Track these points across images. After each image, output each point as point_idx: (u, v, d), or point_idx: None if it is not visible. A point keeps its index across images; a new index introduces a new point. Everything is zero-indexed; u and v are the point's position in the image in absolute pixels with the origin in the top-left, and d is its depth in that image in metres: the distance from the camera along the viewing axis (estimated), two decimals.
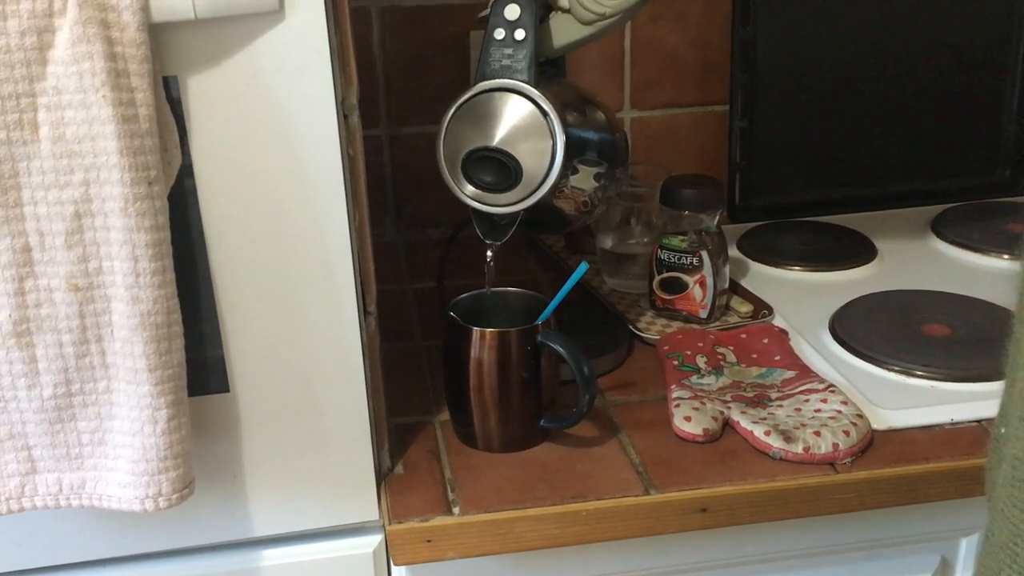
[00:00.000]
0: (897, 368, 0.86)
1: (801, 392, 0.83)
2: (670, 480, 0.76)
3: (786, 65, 1.17)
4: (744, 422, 0.79)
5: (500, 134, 0.78)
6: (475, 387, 0.78)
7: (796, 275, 1.06)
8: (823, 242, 1.13)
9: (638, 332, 0.95)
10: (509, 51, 0.79)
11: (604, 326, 0.96)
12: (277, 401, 0.72)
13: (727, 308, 0.98)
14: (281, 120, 0.65)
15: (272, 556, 0.77)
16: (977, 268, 1.07)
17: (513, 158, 0.78)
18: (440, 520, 0.73)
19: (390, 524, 0.73)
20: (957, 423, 0.81)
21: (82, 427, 0.65)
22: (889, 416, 0.81)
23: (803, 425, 0.78)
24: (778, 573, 0.83)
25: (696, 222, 0.94)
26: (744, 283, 1.04)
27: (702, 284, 0.94)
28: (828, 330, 0.93)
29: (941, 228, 1.14)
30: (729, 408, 0.81)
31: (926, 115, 1.21)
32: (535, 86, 0.78)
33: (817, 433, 0.76)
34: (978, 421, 0.81)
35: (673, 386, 0.85)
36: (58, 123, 0.59)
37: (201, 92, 0.64)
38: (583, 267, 0.79)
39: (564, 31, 0.82)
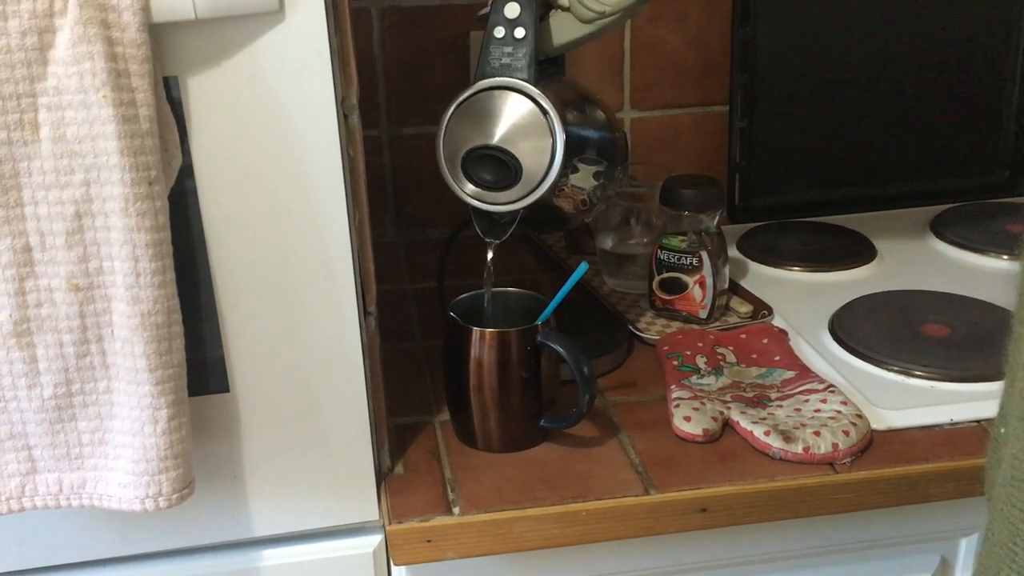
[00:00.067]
0: (897, 368, 0.86)
1: (801, 392, 0.83)
2: (670, 480, 0.76)
3: (786, 65, 1.17)
4: (744, 422, 0.79)
5: (500, 132, 0.78)
6: (475, 387, 0.78)
7: (796, 275, 1.06)
8: (823, 242, 1.13)
9: (638, 332, 0.95)
10: (509, 49, 0.79)
11: (604, 326, 0.96)
12: (277, 401, 0.72)
13: (727, 308, 0.98)
14: (281, 120, 0.65)
15: (272, 556, 0.77)
16: (977, 268, 1.07)
17: (513, 156, 0.78)
18: (440, 520, 0.73)
19: (390, 524, 0.73)
20: (957, 423, 0.81)
21: (82, 427, 0.66)
22: (889, 416, 0.81)
23: (803, 425, 0.78)
24: (778, 573, 0.83)
25: (696, 222, 0.94)
26: (744, 283, 1.04)
27: (702, 284, 0.94)
28: (828, 330, 0.93)
29: (941, 228, 1.14)
30: (729, 408, 0.81)
31: (926, 115, 1.21)
32: (535, 84, 0.78)
33: (817, 433, 0.76)
34: (978, 421, 0.81)
35: (673, 386, 0.85)
36: (59, 123, 0.60)
37: (201, 92, 0.64)
38: (583, 267, 0.79)
39: (564, 29, 0.82)
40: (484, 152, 0.78)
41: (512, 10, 0.79)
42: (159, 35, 0.61)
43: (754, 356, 0.90)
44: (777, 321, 0.96)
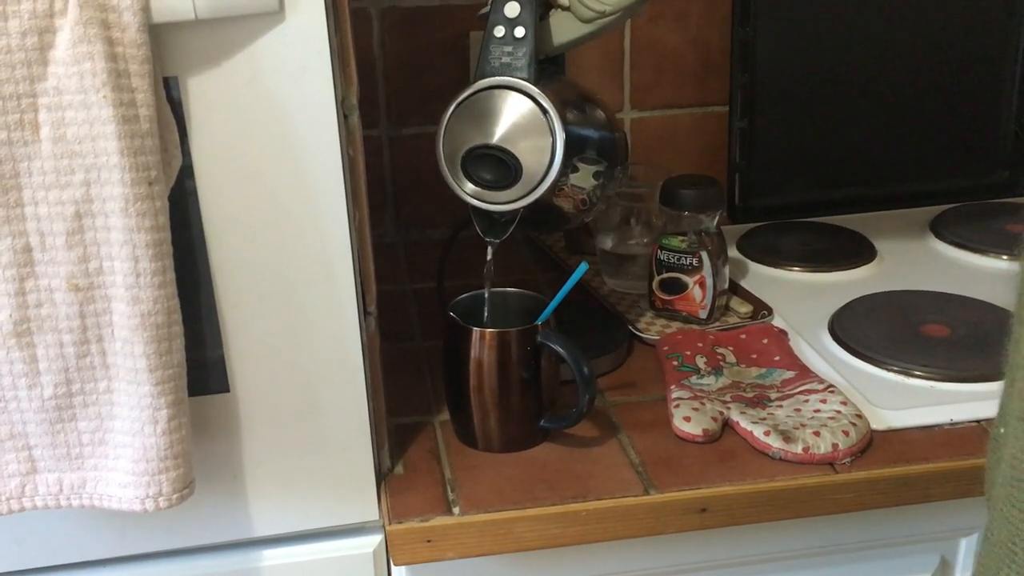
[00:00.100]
0: (896, 368, 0.87)
1: (800, 392, 0.83)
2: (670, 480, 0.76)
3: (786, 65, 1.17)
4: (744, 422, 0.79)
5: (500, 132, 0.78)
6: (475, 387, 0.78)
7: (795, 275, 1.06)
8: (822, 243, 1.13)
9: (638, 332, 0.95)
10: (509, 49, 0.79)
11: (604, 326, 0.96)
12: (277, 401, 0.72)
13: (727, 308, 0.98)
14: (281, 120, 0.65)
15: (272, 556, 0.77)
16: (976, 268, 1.07)
17: (513, 156, 0.78)
18: (440, 520, 0.73)
19: (390, 524, 0.73)
20: (956, 423, 0.81)
21: (82, 427, 0.66)
22: (888, 416, 0.81)
23: (802, 425, 0.78)
24: (778, 573, 0.83)
25: (696, 223, 0.94)
26: (744, 283, 1.04)
27: (702, 284, 0.94)
28: (827, 330, 0.93)
29: (940, 229, 1.14)
30: (729, 408, 0.81)
31: (925, 116, 1.21)
32: (535, 84, 0.78)
33: (816, 433, 0.77)
34: (977, 421, 0.81)
35: (673, 386, 0.85)
36: (59, 123, 0.60)
37: (201, 92, 0.64)
38: (583, 267, 0.79)
39: (564, 29, 0.82)
40: (484, 151, 0.78)
41: (512, 9, 0.79)
42: (159, 35, 0.61)
43: (754, 356, 0.90)
44: (777, 321, 0.96)
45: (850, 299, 0.97)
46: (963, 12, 1.18)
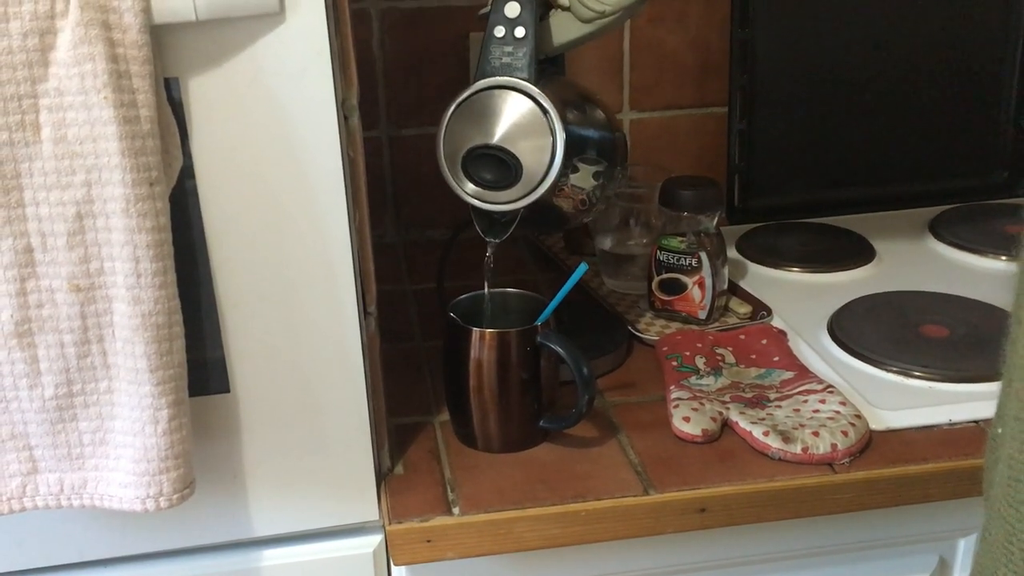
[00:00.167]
0: (895, 369, 0.87)
1: (800, 393, 0.83)
2: (669, 480, 0.76)
3: (785, 66, 1.17)
4: (743, 422, 0.79)
5: (500, 131, 0.78)
6: (475, 388, 0.79)
7: (795, 276, 1.07)
8: (821, 243, 1.13)
9: (637, 333, 0.95)
10: (509, 49, 0.80)
11: (603, 327, 0.96)
12: (277, 401, 0.72)
13: (726, 309, 0.98)
14: (282, 121, 0.66)
15: (272, 556, 0.77)
16: (975, 269, 1.07)
17: (513, 156, 0.78)
18: (440, 520, 0.73)
19: (390, 524, 0.73)
20: (955, 423, 0.81)
21: (83, 427, 0.66)
22: (887, 417, 0.81)
23: (801, 425, 0.78)
24: (777, 573, 0.83)
25: (695, 223, 0.94)
26: (743, 284, 1.04)
27: (701, 285, 0.94)
28: (826, 331, 0.93)
29: (939, 229, 1.14)
30: (728, 408, 0.82)
31: (924, 117, 1.21)
32: (535, 84, 0.79)
33: (816, 433, 0.77)
34: (976, 422, 0.81)
35: (672, 387, 0.85)
36: (60, 124, 0.60)
37: (202, 93, 0.64)
38: (582, 268, 0.79)
39: (564, 29, 0.82)
40: (484, 151, 0.79)
41: (512, 9, 0.80)
42: (160, 36, 0.62)
43: (753, 357, 0.90)
44: (776, 322, 0.96)
45: (849, 300, 0.97)
46: (962, 13, 1.18)
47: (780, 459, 0.77)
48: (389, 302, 0.99)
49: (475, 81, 0.80)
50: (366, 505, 0.76)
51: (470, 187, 0.80)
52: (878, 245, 1.11)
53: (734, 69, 1.17)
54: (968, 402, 0.82)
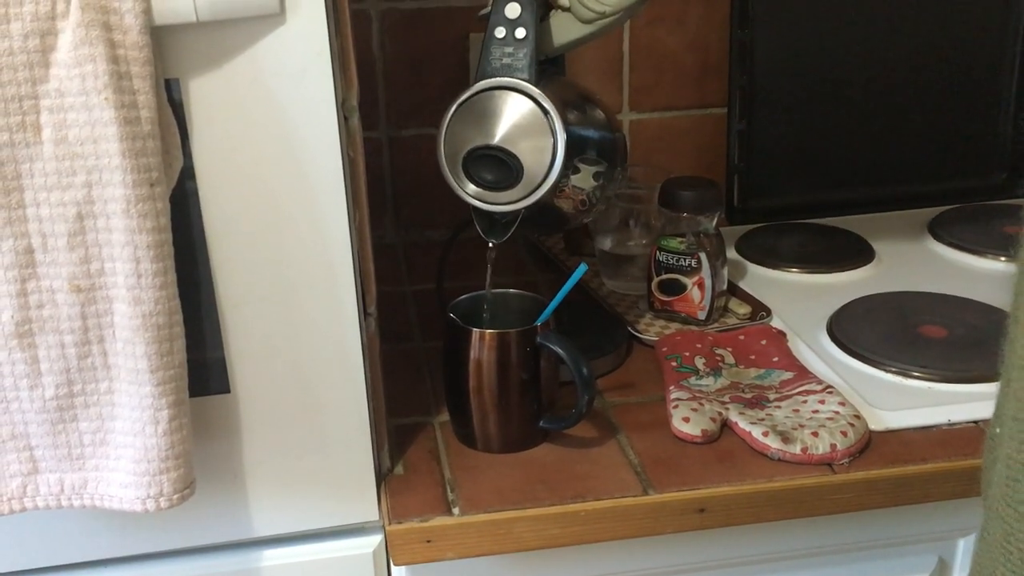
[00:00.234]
0: (894, 369, 0.87)
1: (799, 393, 0.84)
2: (668, 480, 0.76)
3: (784, 67, 1.17)
4: (742, 423, 0.79)
5: (501, 132, 0.79)
6: (475, 388, 0.79)
7: (794, 277, 1.07)
8: (821, 244, 1.13)
9: (637, 333, 0.95)
10: (510, 49, 0.80)
11: (603, 327, 0.96)
12: (277, 402, 0.72)
13: (725, 310, 0.98)
14: (282, 122, 0.66)
15: (272, 556, 0.77)
16: (974, 270, 1.07)
17: (514, 156, 0.78)
18: (440, 520, 0.73)
19: (390, 524, 0.73)
20: (954, 424, 0.81)
21: (84, 427, 0.66)
22: (886, 417, 0.81)
23: (801, 426, 0.78)
24: (776, 573, 0.83)
25: (694, 224, 0.94)
26: (742, 285, 1.04)
27: (700, 286, 0.95)
28: (826, 331, 0.93)
29: (938, 230, 1.15)
30: (727, 409, 0.82)
31: (923, 118, 1.21)
32: (536, 84, 0.79)
33: (815, 434, 0.77)
34: (975, 422, 0.81)
35: (672, 387, 0.85)
36: (60, 125, 0.60)
37: (202, 94, 0.64)
38: (582, 268, 0.79)
39: (564, 30, 0.82)
40: (485, 152, 0.79)
41: (513, 10, 0.80)
42: (160, 37, 0.62)
43: (752, 357, 0.90)
44: (775, 322, 0.96)
45: (848, 300, 0.98)
46: (961, 14, 1.19)
47: (779, 459, 0.77)
48: (389, 303, 0.99)
49: (476, 82, 0.80)
50: (366, 505, 0.77)
51: (471, 188, 0.80)
52: (877, 246, 1.11)
53: (733, 70, 1.17)
54: (967, 402, 0.82)
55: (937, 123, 1.22)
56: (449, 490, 0.76)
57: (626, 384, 0.90)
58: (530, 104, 0.79)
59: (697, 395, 0.84)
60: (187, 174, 0.65)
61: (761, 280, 1.06)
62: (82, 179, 0.61)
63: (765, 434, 0.77)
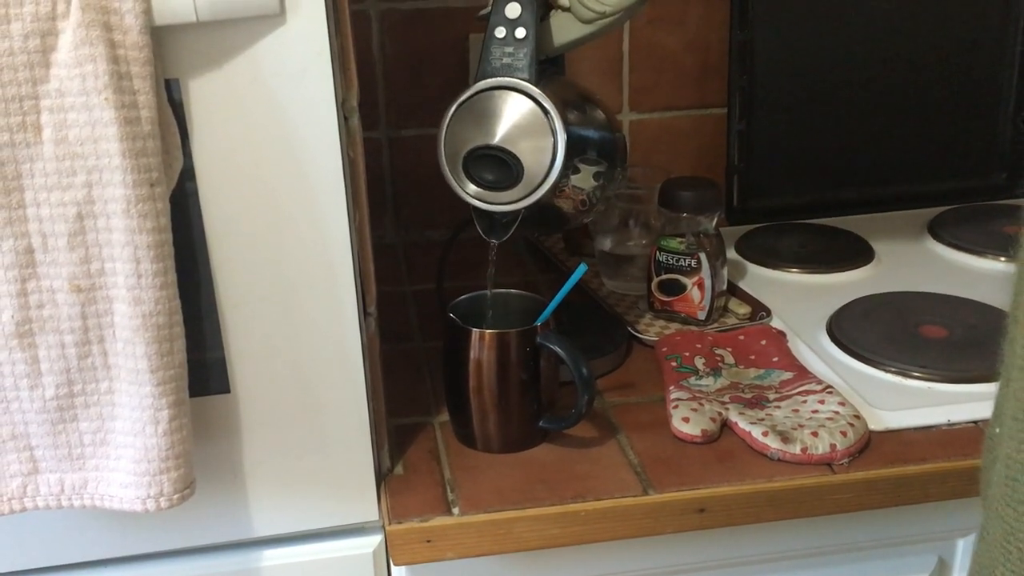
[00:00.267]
0: (894, 369, 0.87)
1: (799, 393, 0.84)
2: (668, 480, 0.76)
3: (784, 68, 1.17)
4: (742, 423, 0.79)
5: (501, 132, 0.79)
6: (474, 388, 0.79)
7: (794, 277, 1.07)
8: (821, 244, 1.13)
9: (637, 334, 0.96)
10: (510, 49, 0.80)
11: (603, 327, 0.96)
12: (277, 402, 0.72)
13: (725, 310, 0.98)
14: (282, 122, 0.66)
15: (272, 556, 0.77)
16: (974, 270, 1.07)
17: (514, 156, 0.78)
18: (440, 520, 0.73)
19: (390, 524, 0.73)
20: (954, 424, 0.81)
21: (84, 427, 0.66)
22: (886, 417, 0.81)
23: (801, 426, 0.78)
24: (775, 573, 0.83)
25: (694, 224, 0.94)
26: (742, 285, 1.04)
27: (700, 286, 0.95)
28: (826, 332, 0.94)
29: (938, 230, 1.15)
30: (727, 409, 0.82)
31: (923, 118, 1.21)
32: (536, 84, 0.79)
33: (815, 434, 0.77)
34: (975, 422, 0.81)
35: (671, 387, 0.85)
36: (61, 125, 0.60)
37: (202, 94, 0.64)
38: (582, 268, 0.79)
39: (564, 30, 0.82)
40: (485, 152, 0.79)
41: (513, 10, 0.80)
42: (161, 37, 0.62)
43: (752, 357, 0.91)
44: (775, 322, 0.96)
45: (848, 300, 0.98)
46: (961, 14, 1.19)
47: (779, 459, 0.77)
48: (389, 303, 0.99)
49: (476, 82, 0.80)
50: (366, 505, 0.77)
51: (471, 188, 0.81)
52: (877, 246, 1.11)
53: (733, 70, 1.17)
54: (967, 402, 0.82)
55: (937, 123, 1.22)
56: (449, 490, 0.76)
57: (626, 384, 0.90)
58: (530, 104, 0.79)
59: (697, 395, 0.84)
60: (187, 174, 0.65)
61: (761, 280, 1.06)
62: (82, 179, 0.61)
63: (765, 434, 0.77)
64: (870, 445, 0.79)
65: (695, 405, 0.82)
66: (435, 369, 0.92)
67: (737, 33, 1.15)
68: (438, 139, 0.81)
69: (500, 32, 0.80)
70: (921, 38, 1.19)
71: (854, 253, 1.10)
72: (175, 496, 0.66)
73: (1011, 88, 1.22)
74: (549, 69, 0.84)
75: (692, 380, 0.87)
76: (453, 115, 0.80)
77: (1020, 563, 0.46)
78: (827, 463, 0.77)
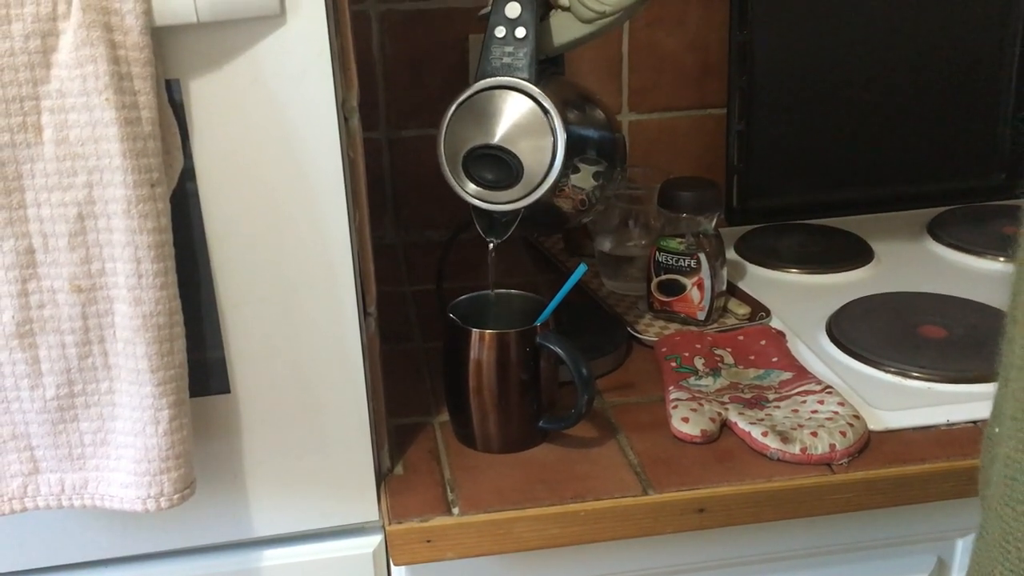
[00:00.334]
0: (894, 369, 0.87)
1: (798, 393, 0.84)
2: (668, 481, 0.76)
3: (783, 68, 1.17)
4: (742, 423, 0.80)
5: (501, 131, 0.79)
6: (474, 388, 0.79)
7: (793, 277, 1.07)
8: (820, 244, 1.13)
9: (636, 334, 0.96)
10: (510, 49, 0.80)
11: (603, 328, 0.96)
12: (277, 402, 0.72)
13: (725, 310, 0.98)
14: (282, 123, 0.66)
15: (272, 556, 0.77)
16: (973, 270, 1.07)
17: (514, 155, 0.78)
18: (439, 520, 0.73)
19: (390, 524, 0.73)
20: (953, 424, 0.81)
21: (84, 427, 0.66)
22: (886, 417, 0.81)
23: (800, 426, 0.78)
24: (775, 573, 0.83)
25: (694, 224, 0.94)
26: (742, 285, 1.04)
27: (700, 286, 0.95)
28: (825, 332, 0.94)
29: (937, 230, 1.15)
30: (727, 409, 0.82)
31: (922, 118, 1.21)
32: (536, 84, 0.79)
33: (814, 434, 0.77)
34: (974, 422, 0.81)
35: (671, 387, 0.85)
36: (61, 126, 0.60)
37: (203, 95, 0.64)
38: (582, 269, 0.79)
39: (564, 29, 0.82)
40: (485, 151, 0.79)
41: (513, 10, 0.80)
42: (161, 38, 0.62)
43: (752, 357, 0.91)
44: (775, 323, 0.97)
45: (847, 301, 0.98)
46: (960, 15, 1.19)
47: (779, 459, 0.77)
48: (389, 303, 0.99)
49: (476, 81, 0.80)
50: (366, 505, 0.77)
51: (471, 187, 0.81)
52: (876, 246, 1.11)
53: (733, 71, 1.17)
54: (966, 402, 0.82)
55: (937, 123, 1.22)
56: (449, 490, 0.76)
57: (626, 384, 0.90)
58: (530, 103, 0.79)
59: (696, 395, 0.84)
60: (187, 174, 0.65)
61: (760, 281, 1.06)
62: (83, 179, 0.61)
63: (764, 434, 0.78)
64: (869, 445, 0.79)
65: (695, 405, 0.82)
66: (435, 369, 0.92)
67: (737, 33, 1.15)
68: (438, 138, 0.81)
69: (500, 32, 0.80)
70: (921, 38, 1.19)
71: (854, 253, 1.10)
72: (175, 496, 0.66)
73: (1010, 88, 1.22)
74: (549, 69, 0.84)
75: (692, 380, 0.87)
76: (453, 115, 0.80)
77: (1019, 563, 0.46)
78: (826, 463, 0.77)
